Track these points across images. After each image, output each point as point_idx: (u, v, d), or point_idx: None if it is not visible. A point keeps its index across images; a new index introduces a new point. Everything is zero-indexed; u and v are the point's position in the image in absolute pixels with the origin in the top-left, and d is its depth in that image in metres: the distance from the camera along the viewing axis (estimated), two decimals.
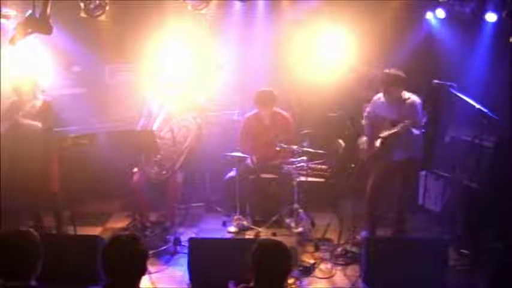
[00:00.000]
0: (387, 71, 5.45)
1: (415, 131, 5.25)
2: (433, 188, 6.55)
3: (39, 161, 5.47)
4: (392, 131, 5.29)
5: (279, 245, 2.98)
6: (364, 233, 5.70)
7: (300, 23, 7.08)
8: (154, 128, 5.81)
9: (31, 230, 3.00)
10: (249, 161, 6.15)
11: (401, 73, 5.40)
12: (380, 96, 5.58)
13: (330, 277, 5.09)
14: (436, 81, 5.62)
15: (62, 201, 5.78)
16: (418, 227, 6.12)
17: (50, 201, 5.71)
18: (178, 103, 6.04)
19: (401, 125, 5.19)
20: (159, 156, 5.72)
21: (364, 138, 5.68)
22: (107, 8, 6.35)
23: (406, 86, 5.43)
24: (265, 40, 7.19)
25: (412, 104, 5.39)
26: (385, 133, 5.37)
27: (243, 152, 6.09)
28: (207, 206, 6.77)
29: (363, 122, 5.75)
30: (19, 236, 2.90)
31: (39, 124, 5.39)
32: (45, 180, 5.56)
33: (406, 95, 5.44)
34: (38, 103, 5.49)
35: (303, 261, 5.28)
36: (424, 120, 5.42)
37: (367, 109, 5.75)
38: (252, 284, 2.89)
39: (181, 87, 6.33)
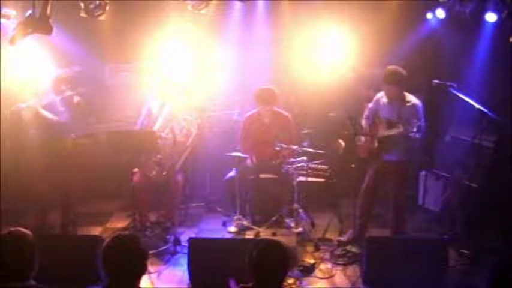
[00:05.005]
0: (389, 67, 5.37)
1: (413, 135, 5.09)
2: (433, 188, 6.55)
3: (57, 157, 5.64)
4: (387, 133, 5.28)
5: (277, 244, 2.99)
6: (349, 234, 5.70)
7: (300, 23, 7.08)
8: (156, 128, 5.81)
9: (22, 229, 2.91)
10: (248, 161, 6.16)
11: (402, 71, 5.32)
12: (382, 95, 5.54)
13: (330, 277, 5.09)
14: (436, 81, 5.62)
15: (74, 201, 5.89)
16: (418, 227, 6.13)
17: (64, 198, 5.85)
18: (179, 103, 6.04)
19: (398, 130, 5.14)
20: (159, 156, 5.72)
21: (362, 138, 5.64)
22: (107, 8, 6.35)
23: (407, 85, 5.37)
24: (265, 40, 7.18)
25: (414, 106, 5.31)
26: (381, 133, 5.37)
27: (243, 152, 6.09)
28: (207, 206, 6.77)
29: (363, 121, 5.72)
30: (10, 236, 2.86)
31: (54, 117, 5.60)
32: (63, 177, 5.74)
33: (408, 97, 5.37)
34: (77, 98, 5.81)
35: (303, 261, 5.28)
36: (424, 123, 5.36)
37: (369, 105, 5.68)
38: (251, 284, 2.89)
39: (181, 87, 6.33)
